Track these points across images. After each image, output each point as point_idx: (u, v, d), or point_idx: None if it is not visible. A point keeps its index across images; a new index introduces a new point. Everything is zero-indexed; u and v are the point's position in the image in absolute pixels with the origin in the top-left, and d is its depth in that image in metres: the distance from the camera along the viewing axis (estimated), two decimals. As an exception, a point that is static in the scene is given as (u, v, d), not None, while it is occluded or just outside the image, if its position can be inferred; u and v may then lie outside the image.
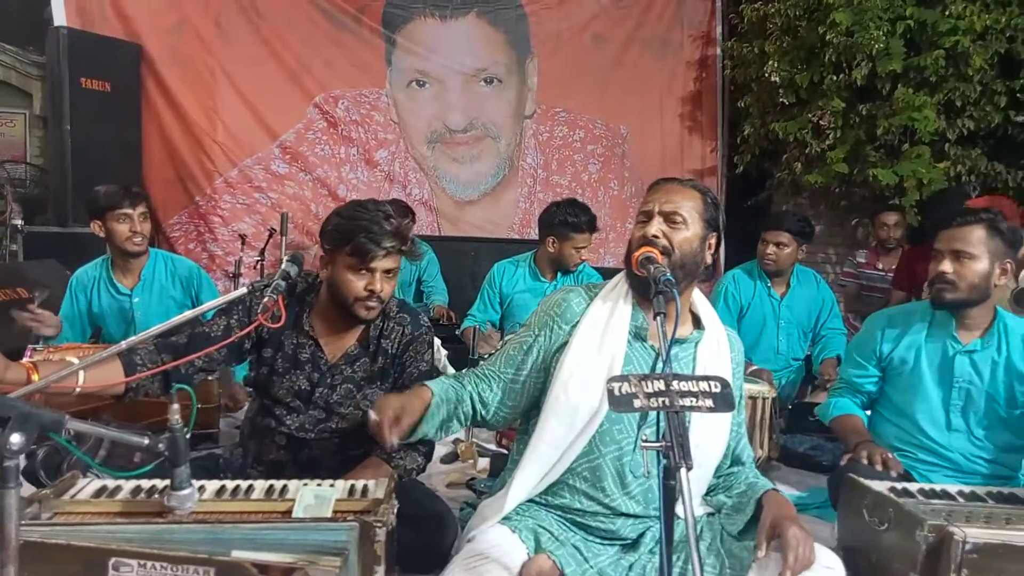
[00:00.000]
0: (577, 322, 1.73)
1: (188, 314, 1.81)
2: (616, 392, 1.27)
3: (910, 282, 4.06)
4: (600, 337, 1.69)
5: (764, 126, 5.44)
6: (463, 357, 3.36)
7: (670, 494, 1.21)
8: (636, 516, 1.70)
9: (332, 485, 1.62)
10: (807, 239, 3.66)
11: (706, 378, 1.31)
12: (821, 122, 4.99)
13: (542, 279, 3.71)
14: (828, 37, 4.75)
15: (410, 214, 4.84)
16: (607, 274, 1.87)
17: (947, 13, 4.56)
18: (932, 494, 1.90)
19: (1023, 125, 4.62)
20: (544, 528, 1.67)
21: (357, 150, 5.97)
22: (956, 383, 2.24)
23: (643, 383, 1.27)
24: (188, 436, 1.40)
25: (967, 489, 1.95)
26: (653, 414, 1.65)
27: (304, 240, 5.64)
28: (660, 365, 1.63)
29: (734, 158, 5.92)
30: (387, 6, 5.96)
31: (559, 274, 3.68)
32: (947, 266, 2.17)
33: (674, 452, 1.19)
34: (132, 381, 1.81)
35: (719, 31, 6.26)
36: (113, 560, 1.28)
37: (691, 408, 1.27)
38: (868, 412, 2.47)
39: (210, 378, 2.83)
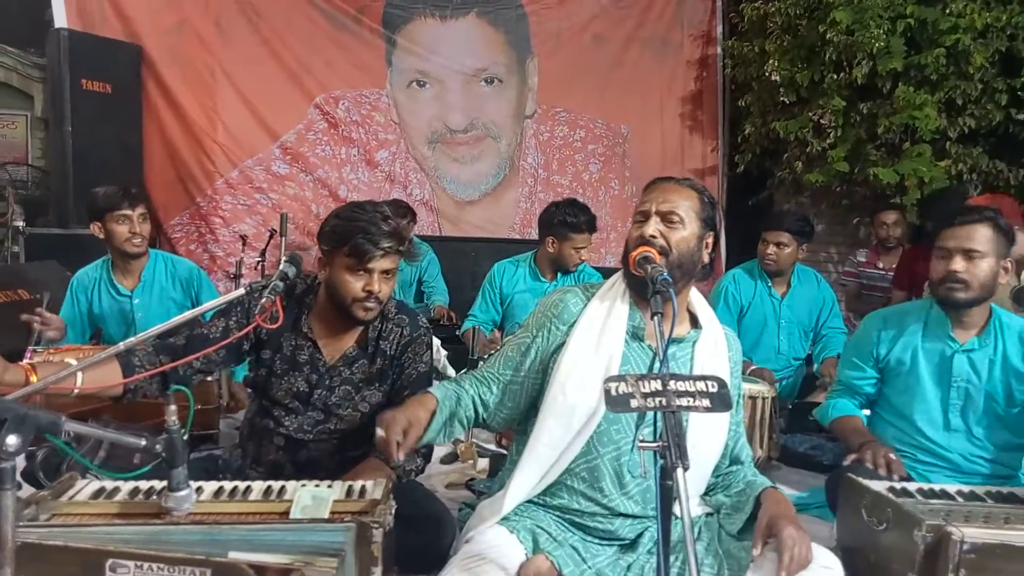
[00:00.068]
0: (574, 322, 1.73)
1: (186, 315, 1.81)
2: (613, 392, 1.27)
3: (910, 281, 4.05)
4: (597, 337, 1.69)
5: (765, 125, 5.43)
6: (463, 358, 3.36)
7: (667, 494, 1.21)
8: (634, 516, 1.70)
9: (330, 486, 1.62)
10: (807, 239, 3.65)
11: (703, 378, 1.30)
12: (822, 121, 4.98)
13: (542, 279, 3.71)
14: (828, 36, 4.74)
15: (411, 214, 4.85)
16: (608, 274, 1.87)
17: (948, 11, 4.55)
18: (931, 494, 1.90)
19: (1024, 123, 4.62)
20: (542, 528, 1.67)
21: (358, 150, 5.98)
22: (955, 383, 2.23)
23: (640, 383, 1.27)
24: (186, 437, 1.40)
25: (966, 489, 1.95)
26: (651, 414, 1.65)
27: (305, 241, 5.65)
28: (657, 365, 1.63)
29: (735, 157, 5.91)
30: (387, 6, 5.96)
31: (559, 274, 3.68)
32: (959, 265, 2.13)
33: (671, 452, 1.19)
34: (130, 382, 1.82)
35: (719, 30, 6.26)
36: (110, 561, 1.28)
37: (688, 408, 1.27)
38: (867, 412, 2.46)
39: (209, 379, 2.84)
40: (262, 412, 2.08)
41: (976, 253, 2.13)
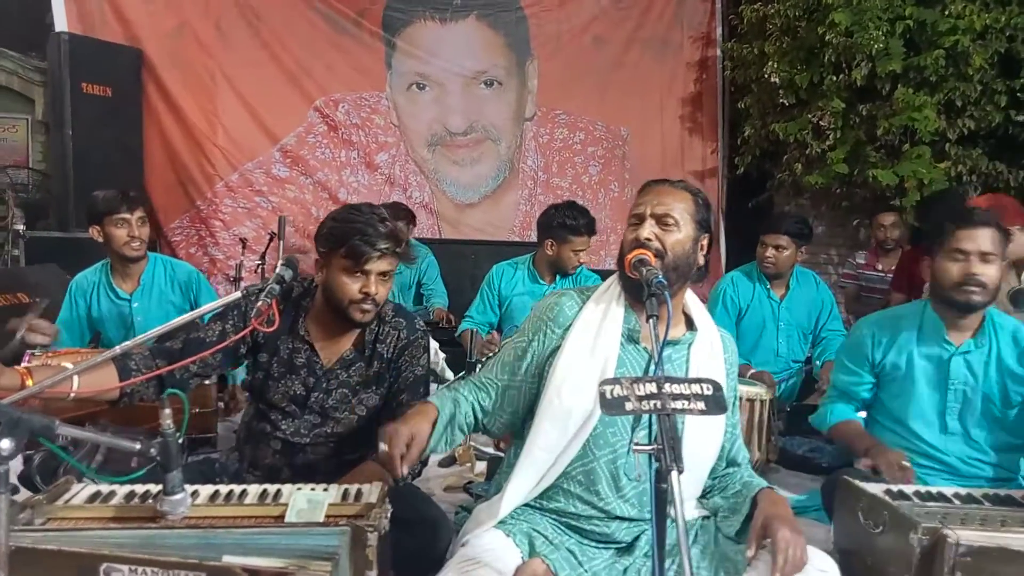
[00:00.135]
0: (570, 325, 1.73)
1: (183, 318, 1.81)
2: (608, 395, 1.26)
3: (909, 283, 4.04)
4: (593, 340, 1.68)
5: (764, 127, 5.44)
6: (462, 360, 3.36)
7: (662, 497, 1.21)
8: (631, 519, 1.70)
9: (326, 489, 1.62)
10: (806, 241, 3.64)
11: (698, 380, 1.30)
12: (821, 123, 4.99)
13: (541, 281, 3.71)
14: (828, 37, 4.75)
15: (410, 217, 4.85)
16: (607, 276, 1.87)
17: (947, 13, 4.56)
18: (927, 496, 1.89)
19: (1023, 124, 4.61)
20: (538, 532, 1.66)
21: (357, 153, 5.99)
22: (952, 385, 2.22)
23: (635, 386, 1.26)
24: (181, 441, 1.40)
25: (963, 491, 1.94)
26: (647, 417, 1.64)
27: (305, 244, 5.66)
28: (653, 368, 1.63)
29: (735, 159, 5.92)
30: (387, 9, 5.98)
31: (558, 277, 3.68)
32: (979, 268, 2.09)
33: (665, 455, 1.18)
34: (126, 386, 1.82)
35: (719, 32, 6.27)
36: (104, 566, 1.28)
37: (683, 411, 1.26)
38: (863, 415, 2.45)
39: (206, 383, 2.84)
40: (259, 415, 2.08)
41: (991, 256, 2.11)
